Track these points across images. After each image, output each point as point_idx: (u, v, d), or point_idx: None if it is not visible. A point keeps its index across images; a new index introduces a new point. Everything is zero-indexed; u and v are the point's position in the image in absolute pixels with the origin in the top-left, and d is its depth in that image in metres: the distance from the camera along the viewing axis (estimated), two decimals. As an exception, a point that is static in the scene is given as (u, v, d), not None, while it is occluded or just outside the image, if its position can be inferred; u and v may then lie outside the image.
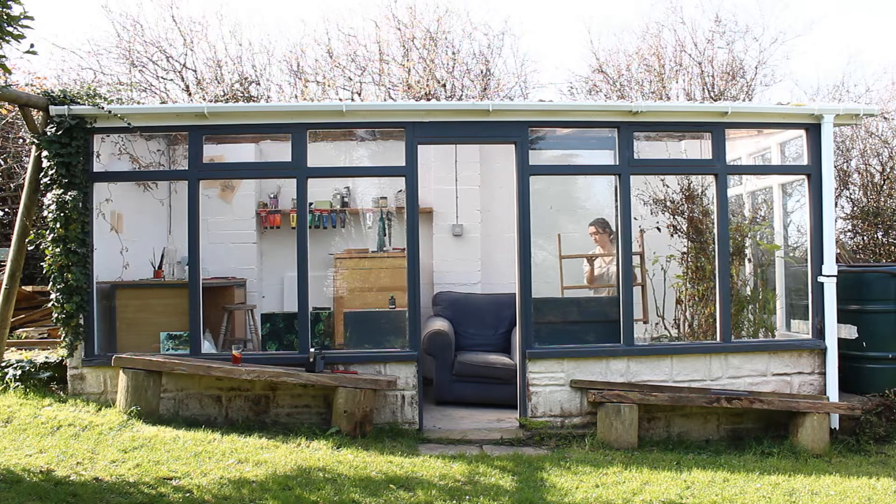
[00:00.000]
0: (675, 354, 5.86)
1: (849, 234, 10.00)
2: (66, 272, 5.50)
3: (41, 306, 7.49)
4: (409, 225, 5.80)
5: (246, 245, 8.05)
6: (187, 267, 5.99)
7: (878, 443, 5.69)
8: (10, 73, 5.13)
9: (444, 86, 10.10)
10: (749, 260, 6.87)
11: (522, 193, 5.79)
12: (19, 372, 5.78)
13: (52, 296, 5.59)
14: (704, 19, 14.95)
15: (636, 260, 6.41)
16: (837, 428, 5.73)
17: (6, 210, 9.23)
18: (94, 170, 5.79)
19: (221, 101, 9.58)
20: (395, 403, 5.69)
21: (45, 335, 7.19)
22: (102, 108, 5.58)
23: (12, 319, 6.14)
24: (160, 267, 7.02)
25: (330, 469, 4.50)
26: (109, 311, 6.17)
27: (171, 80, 10.25)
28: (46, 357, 5.94)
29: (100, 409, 5.43)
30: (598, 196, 7.45)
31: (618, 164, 5.87)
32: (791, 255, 6.81)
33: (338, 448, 4.97)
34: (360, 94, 10.26)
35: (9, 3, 3.90)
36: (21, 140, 8.85)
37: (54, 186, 5.53)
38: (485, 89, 10.39)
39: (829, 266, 5.85)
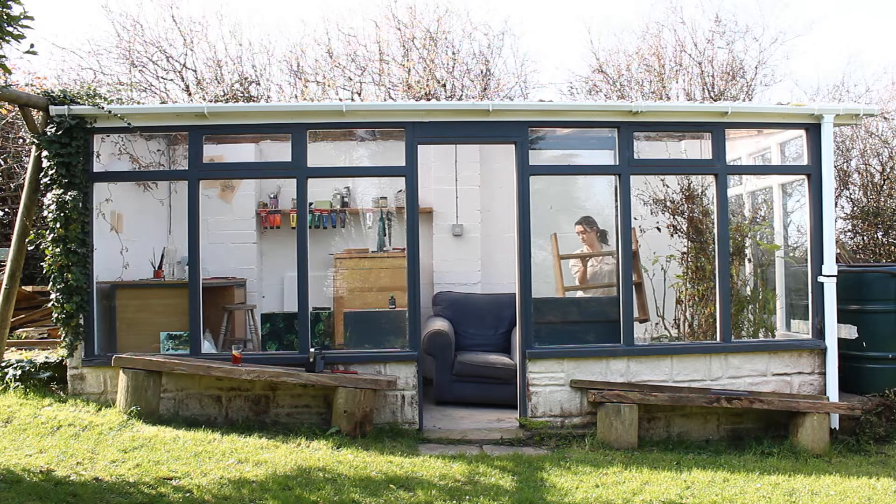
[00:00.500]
0: (675, 354, 5.86)
1: (849, 234, 10.00)
2: (66, 272, 5.50)
3: (41, 306, 7.49)
4: (409, 225, 5.80)
5: (246, 245, 8.05)
6: (187, 267, 5.98)
7: (878, 443, 5.69)
8: (10, 73, 5.13)
9: (444, 86, 10.10)
10: (749, 260, 6.87)
11: (522, 193, 5.79)
12: (19, 372, 5.78)
13: (52, 296, 5.60)
14: (704, 19, 14.96)
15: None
16: (837, 428, 5.73)
17: (6, 210, 9.23)
18: (94, 170, 5.79)
19: (221, 101, 9.58)
20: (395, 403, 5.69)
21: (45, 335, 7.19)
22: (102, 108, 5.58)
23: (12, 319, 6.14)
24: (160, 267, 7.02)
25: (330, 469, 4.50)
26: (109, 311, 6.17)
27: (171, 80, 10.26)
28: (46, 357, 5.94)
29: (100, 409, 5.43)
30: (598, 196, 7.45)
31: (618, 164, 5.87)
32: (791, 255, 6.81)
33: (338, 448, 4.97)
34: (360, 94, 10.26)
35: (9, 3, 3.90)
36: (21, 140, 8.85)
37: (54, 186, 5.53)
38: (485, 89, 10.39)
39: (829, 266, 5.85)
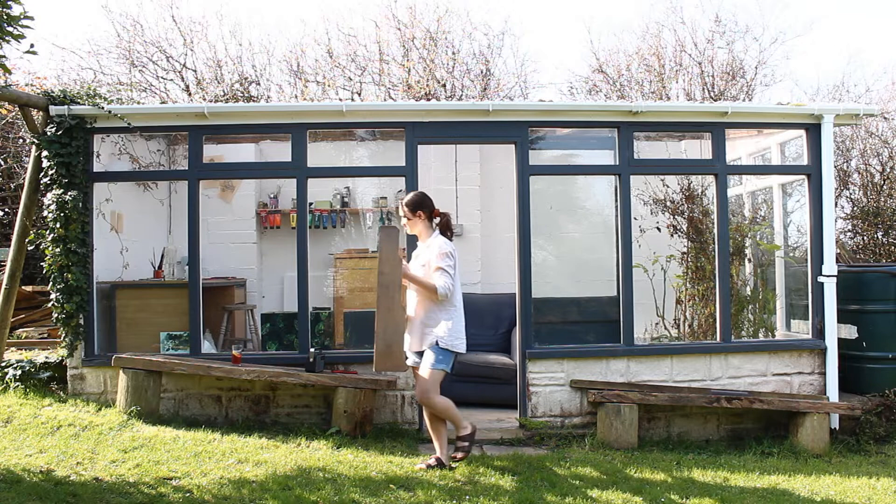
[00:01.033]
0: (675, 354, 5.86)
1: (849, 234, 10.00)
2: (66, 272, 5.50)
3: (41, 306, 7.49)
4: (409, 225, 5.80)
5: (246, 245, 8.05)
6: (187, 267, 5.99)
7: (878, 443, 5.70)
8: (10, 73, 5.14)
9: (444, 86, 10.10)
10: (749, 260, 6.87)
11: (522, 193, 5.79)
12: (19, 372, 5.78)
13: (52, 296, 5.60)
14: (704, 19, 14.98)
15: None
16: (837, 428, 5.73)
17: (6, 210, 9.23)
18: (94, 170, 5.79)
19: (221, 101, 9.58)
20: (395, 403, 5.69)
21: (45, 335, 7.19)
22: (102, 108, 5.58)
23: (12, 319, 6.15)
24: (160, 267, 7.02)
25: (330, 469, 4.50)
26: (109, 311, 6.17)
27: (171, 80, 10.26)
28: (46, 357, 5.94)
29: (100, 409, 5.42)
30: (598, 196, 7.45)
31: (618, 164, 5.87)
32: (791, 255, 6.81)
33: (338, 448, 4.97)
34: (360, 94, 10.26)
35: (9, 3, 3.91)
36: (21, 140, 8.85)
37: (54, 186, 5.53)
38: (485, 89, 10.40)
39: (829, 266, 5.85)
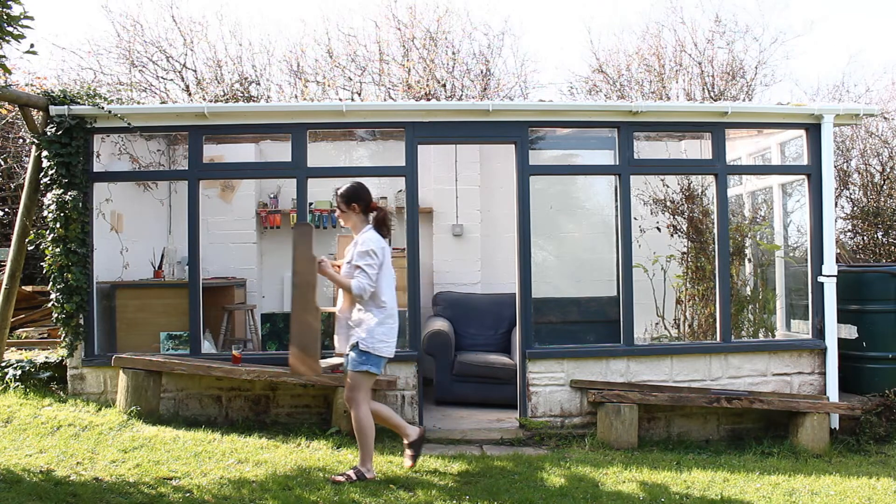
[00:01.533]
0: (675, 354, 5.86)
1: (849, 234, 10.00)
2: (66, 272, 5.50)
3: (41, 306, 7.49)
4: (409, 225, 5.80)
5: (246, 245, 8.04)
6: (187, 267, 5.98)
7: (878, 443, 5.69)
8: (10, 73, 5.13)
9: (444, 86, 10.10)
10: (749, 260, 6.87)
11: (522, 193, 5.79)
12: (19, 372, 5.79)
13: (52, 296, 5.60)
14: (704, 19, 14.96)
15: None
16: (837, 428, 5.73)
17: (6, 210, 9.23)
18: (94, 170, 5.79)
19: (221, 101, 9.58)
20: (395, 403, 5.68)
21: (45, 335, 7.19)
22: (102, 108, 5.58)
23: (12, 319, 6.15)
24: (160, 267, 7.02)
25: (330, 469, 4.50)
26: (109, 311, 6.17)
27: (171, 80, 10.26)
28: (46, 357, 5.94)
29: (100, 409, 5.43)
30: (598, 196, 7.45)
31: (618, 164, 5.87)
32: (791, 255, 6.81)
33: (338, 448, 4.97)
34: (360, 94, 10.26)
35: (9, 3, 3.91)
36: (21, 140, 8.85)
37: (54, 186, 5.53)
38: (485, 89, 10.40)
39: (829, 266, 5.85)
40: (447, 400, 6.64)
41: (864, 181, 9.98)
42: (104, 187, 5.94)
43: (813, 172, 5.96)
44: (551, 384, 5.74)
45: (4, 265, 6.21)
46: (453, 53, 10.47)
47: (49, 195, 5.53)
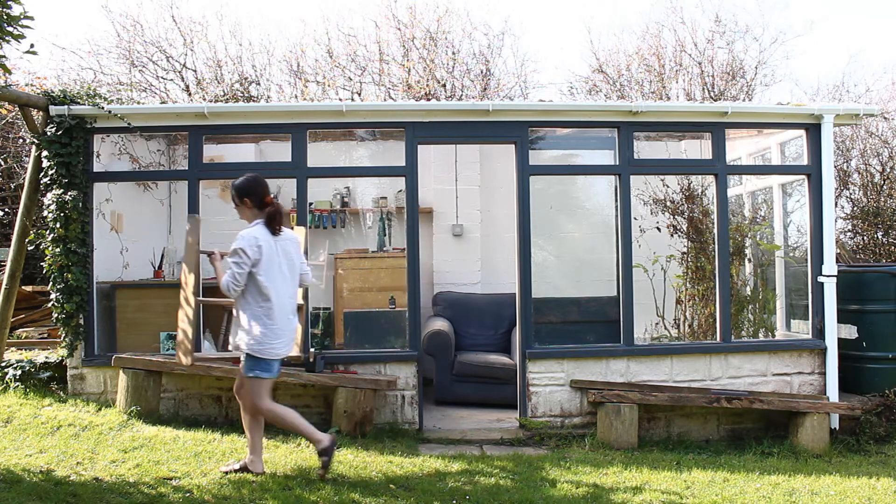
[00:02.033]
0: (675, 354, 5.86)
1: (849, 234, 10.00)
2: (66, 272, 5.50)
3: (41, 306, 7.48)
4: (409, 225, 5.81)
5: (246, 245, 8.02)
6: (187, 267, 5.97)
7: (878, 443, 5.70)
8: (10, 73, 5.13)
9: (444, 86, 10.10)
10: (749, 260, 6.87)
11: (522, 193, 5.79)
12: (19, 372, 5.78)
13: (52, 296, 5.60)
14: (704, 19, 14.96)
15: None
16: (837, 428, 5.74)
17: (6, 210, 9.22)
18: (94, 170, 5.79)
19: (221, 101, 9.58)
20: (395, 403, 5.68)
21: (45, 335, 7.19)
22: (102, 108, 5.58)
23: (12, 319, 6.14)
24: (160, 267, 7.01)
25: (330, 469, 4.50)
26: (109, 311, 6.17)
27: (171, 80, 10.26)
28: (46, 357, 5.94)
29: (100, 409, 5.43)
30: (598, 196, 7.44)
31: (618, 164, 5.87)
32: (791, 255, 6.81)
33: (338, 448, 4.97)
34: (360, 94, 10.26)
35: (9, 3, 3.90)
36: (21, 140, 8.85)
37: (54, 186, 5.53)
38: (485, 89, 10.40)
39: (829, 266, 5.85)
40: (447, 400, 6.64)
41: (864, 181, 9.98)
42: (104, 187, 5.94)
43: (813, 172, 5.96)
44: (551, 384, 5.74)
45: (4, 265, 6.21)
46: (453, 53, 10.48)
47: (49, 195, 5.53)
